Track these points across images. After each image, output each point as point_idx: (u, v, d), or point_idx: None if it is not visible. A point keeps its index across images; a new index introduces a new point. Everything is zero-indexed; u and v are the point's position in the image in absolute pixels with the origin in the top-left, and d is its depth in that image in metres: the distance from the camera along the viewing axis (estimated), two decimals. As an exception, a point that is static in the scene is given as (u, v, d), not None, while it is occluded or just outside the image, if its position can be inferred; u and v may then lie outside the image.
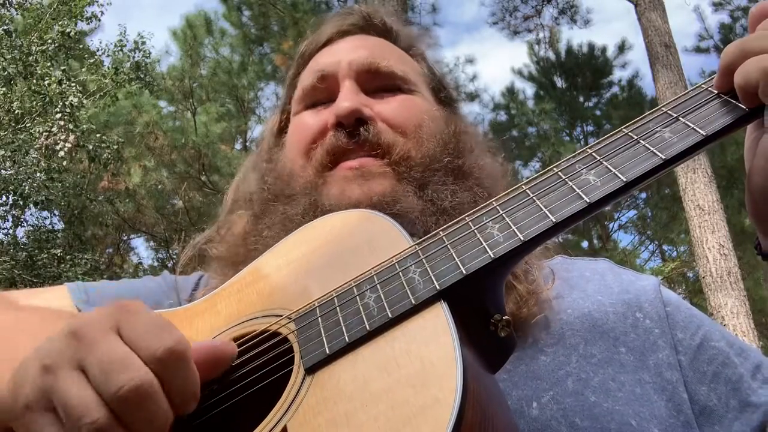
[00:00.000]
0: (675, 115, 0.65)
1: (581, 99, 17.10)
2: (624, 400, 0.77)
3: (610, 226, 17.73)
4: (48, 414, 0.53)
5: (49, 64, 11.56)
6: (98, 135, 11.49)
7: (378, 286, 0.64)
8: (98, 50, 15.07)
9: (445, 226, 0.68)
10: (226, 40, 14.64)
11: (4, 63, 11.36)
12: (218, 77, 14.60)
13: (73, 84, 11.31)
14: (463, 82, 15.46)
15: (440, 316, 0.58)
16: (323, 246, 0.74)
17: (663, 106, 0.68)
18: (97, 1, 13.95)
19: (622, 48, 16.62)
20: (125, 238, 16.97)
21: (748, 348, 0.88)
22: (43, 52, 11.72)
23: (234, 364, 0.66)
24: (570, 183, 0.65)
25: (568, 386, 0.77)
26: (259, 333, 0.68)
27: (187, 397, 0.56)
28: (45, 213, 12.43)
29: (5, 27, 11.83)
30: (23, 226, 12.17)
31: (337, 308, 0.64)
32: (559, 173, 0.67)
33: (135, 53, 14.52)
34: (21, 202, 10.64)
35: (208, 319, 0.74)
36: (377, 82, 0.99)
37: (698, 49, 16.56)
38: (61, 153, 10.70)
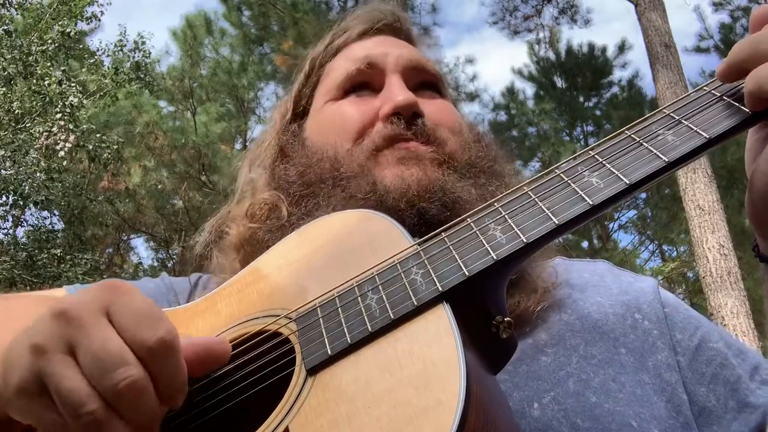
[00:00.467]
0: (677, 118, 0.65)
1: (581, 99, 17.10)
2: (625, 401, 0.77)
3: (610, 226, 17.73)
4: (43, 398, 0.53)
5: (49, 64, 11.56)
6: (98, 135, 11.50)
7: (380, 286, 0.64)
8: (98, 50, 15.10)
9: (446, 226, 0.68)
10: (226, 40, 14.64)
11: (4, 63, 11.36)
12: (218, 77, 14.60)
13: (73, 84, 11.32)
14: (463, 82, 15.47)
15: (443, 318, 0.58)
16: (324, 246, 0.74)
17: (665, 108, 0.67)
18: (97, 1, 13.95)
19: (622, 48, 16.64)
20: (125, 238, 16.97)
21: (746, 349, 0.88)
22: (43, 52, 11.72)
23: (235, 364, 0.66)
24: (573, 185, 0.64)
25: (569, 387, 0.77)
26: (259, 333, 0.68)
27: (174, 389, 0.55)
28: (45, 213, 12.44)
29: (5, 27, 11.83)
30: (23, 226, 12.19)
31: (339, 309, 0.64)
32: (562, 175, 0.66)
33: (135, 53, 14.53)
34: (21, 202, 10.63)
35: (208, 319, 0.74)
36: (421, 81, 1.00)
37: (698, 49, 16.56)
38: (61, 153, 10.70)
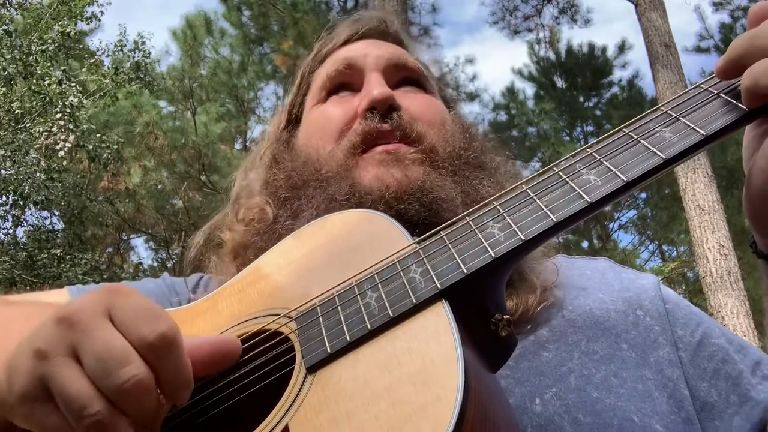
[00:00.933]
0: (675, 115, 0.65)
1: (581, 99, 17.10)
2: (626, 397, 0.77)
3: (610, 226, 17.74)
4: (47, 403, 0.53)
5: (49, 64, 11.57)
6: (98, 135, 11.50)
7: (379, 285, 0.64)
8: (98, 50, 15.09)
9: (445, 225, 0.68)
10: (226, 40, 14.65)
11: (4, 63, 11.36)
12: (218, 77, 14.60)
13: (73, 84, 11.33)
14: (463, 82, 15.48)
15: (441, 315, 0.58)
16: (324, 246, 0.74)
17: (663, 106, 0.67)
18: (97, 1, 13.95)
19: (622, 48, 16.64)
20: (125, 238, 16.97)
21: (747, 345, 0.88)
22: (43, 52, 11.72)
23: (238, 360, 0.66)
24: (570, 182, 0.64)
25: (570, 382, 0.77)
26: (260, 332, 0.68)
27: (179, 385, 0.55)
28: (45, 213, 12.45)
29: (5, 27, 11.84)
30: (23, 226, 12.19)
31: (338, 307, 0.65)
32: (560, 173, 0.66)
33: (135, 53, 14.52)
34: (21, 202, 10.64)
35: (210, 319, 0.74)
36: (402, 78, 1.02)
37: (698, 49, 16.56)
38: (61, 153, 10.71)
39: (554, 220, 0.62)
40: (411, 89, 1.02)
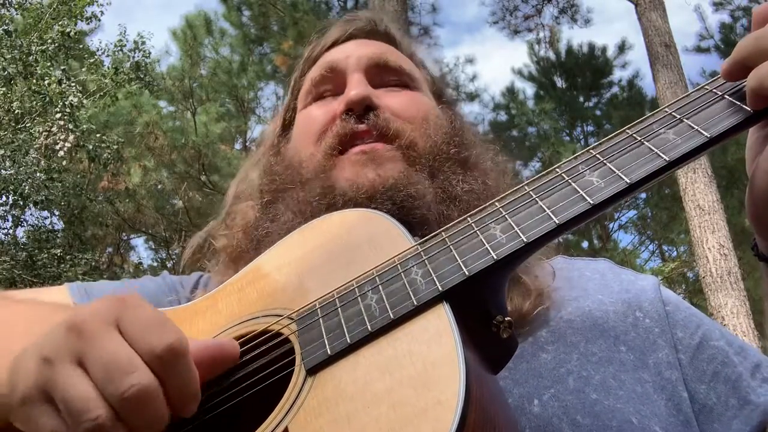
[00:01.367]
0: (679, 117, 0.65)
1: (581, 99, 17.09)
2: (625, 399, 0.77)
3: (610, 226, 17.73)
4: (47, 405, 0.53)
5: (49, 64, 11.57)
6: (98, 135, 11.50)
7: (380, 286, 0.64)
8: (98, 50, 15.10)
9: (447, 226, 0.68)
10: (226, 40, 14.65)
11: (4, 63, 11.36)
12: (218, 77, 14.60)
13: (73, 84, 11.32)
14: (463, 82, 15.48)
15: (442, 317, 0.58)
16: (324, 245, 0.74)
17: (666, 107, 0.67)
18: (97, 1, 13.95)
19: (622, 48, 16.63)
20: (125, 238, 16.97)
21: (747, 347, 0.88)
22: (43, 52, 11.72)
23: (236, 364, 0.65)
24: (573, 184, 0.64)
25: (569, 384, 0.77)
26: (260, 333, 0.68)
27: (187, 396, 0.55)
28: (45, 213, 12.43)
29: (5, 27, 11.83)
30: (23, 226, 12.18)
31: (339, 309, 0.64)
32: (562, 174, 0.66)
33: (135, 53, 14.52)
34: (21, 202, 10.64)
35: (209, 318, 0.74)
36: (385, 77, 1.02)
37: (699, 49, 16.53)
38: (61, 153, 10.71)
39: (556, 222, 0.61)
40: (395, 88, 1.02)
